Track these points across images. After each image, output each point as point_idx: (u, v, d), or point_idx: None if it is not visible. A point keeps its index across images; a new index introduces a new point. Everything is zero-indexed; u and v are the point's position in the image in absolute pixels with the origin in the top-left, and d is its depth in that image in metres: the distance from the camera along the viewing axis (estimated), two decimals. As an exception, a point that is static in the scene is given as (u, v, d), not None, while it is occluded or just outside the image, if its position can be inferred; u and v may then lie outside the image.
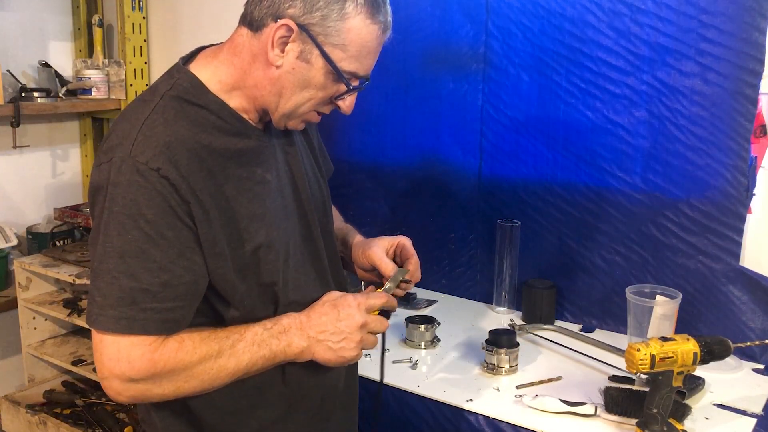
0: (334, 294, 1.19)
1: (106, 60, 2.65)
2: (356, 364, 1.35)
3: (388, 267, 1.27)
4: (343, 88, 1.10)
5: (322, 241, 1.25)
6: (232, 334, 1.07)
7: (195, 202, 1.02)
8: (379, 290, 1.24)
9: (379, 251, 1.29)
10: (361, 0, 1.04)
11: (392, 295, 1.23)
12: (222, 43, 1.14)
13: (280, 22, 1.03)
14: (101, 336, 1.01)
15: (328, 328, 1.12)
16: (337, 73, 1.07)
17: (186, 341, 1.04)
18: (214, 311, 1.11)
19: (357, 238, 1.38)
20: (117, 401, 1.05)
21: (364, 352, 1.21)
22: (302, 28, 1.04)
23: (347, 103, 1.14)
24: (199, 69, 1.11)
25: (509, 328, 1.77)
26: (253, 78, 1.09)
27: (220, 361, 1.05)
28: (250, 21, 1.08)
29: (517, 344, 1.60)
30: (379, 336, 1.21)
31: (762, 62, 1.56)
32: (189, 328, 1.06)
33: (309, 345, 1.11)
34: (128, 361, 1.00)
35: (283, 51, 1.05)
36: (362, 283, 1.40)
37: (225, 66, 1.10)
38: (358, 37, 1.05)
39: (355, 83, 1.11)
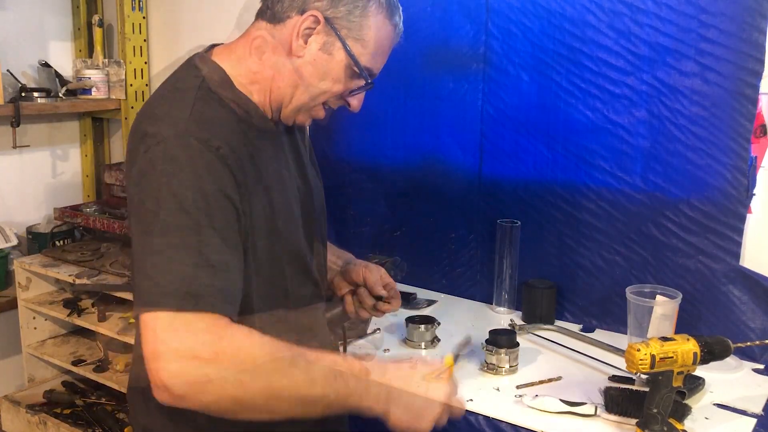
0: (427, 367, 1.12)
1: (106, 60, 2.65)
2: None
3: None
4: (357, 83, 1.14)
5: (323, 242, 1.29)
6: (306, 351, 0.98)
7: (244, 185, 1.04)
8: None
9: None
10: (382, 0, 1.10)
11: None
12: (234, 41, 1.16)
13: (308, 13, 1.07)
14: (155, 318, 0.91)
15: (413, 396, 1.04)
16: (357, 67, 1.10)
17: (255, 333, 0.96)
18: None
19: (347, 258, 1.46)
20: (170, 390, 0.90)
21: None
22: (327, 21, 1.08)
23: (357, 101, 1.17)
24: (221, 64, 1.12)
25: (509, 328, 1.77)
26: (271, 70, 1.11)
27: (294, 370, 0.94)
28: (272, 14, 1.11)
29: (517, 344, 1.60)
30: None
31: (762, 62, 1.56)
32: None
33: (389, 395, 1.02)
34: (191, 333, 0.90)
35: (306, 42, 1.09)
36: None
37: (243, 61, 1.12)
38: (377, 34, 1.10)
39: (362, 82, 1.14)
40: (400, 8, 1.15)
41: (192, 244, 0.95)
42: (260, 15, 1.13)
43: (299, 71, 1.10)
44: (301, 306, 1.20)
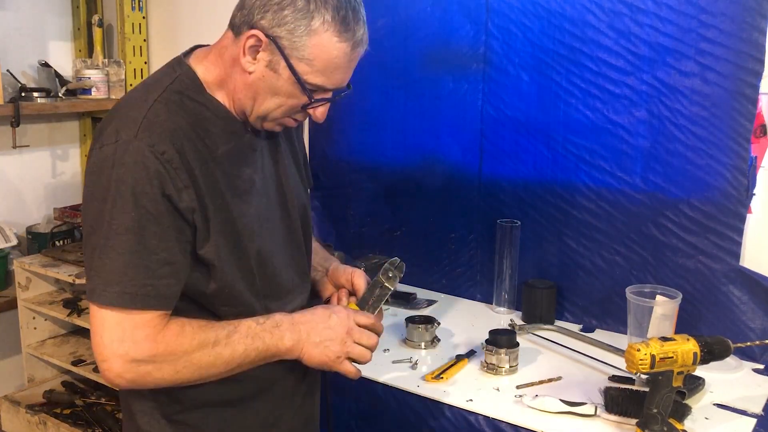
0: (328, 304, 1.26)
1: (106, 60, 2.65)
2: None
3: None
4: (316, 96, 1.13)
5: (302, 245, 1.30)
6: (228, 325, 1.12)
7: (192, 188, 1.07)
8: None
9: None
10: (328, 17, 1.06)
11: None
12: (213, 44, 1.18)
13: (251, 31, 1.07)
14: (103, 316, 1.04)
15: (319, 326, 1.18)
16: (301, 86, 1.10)
17: (186, 327, 1.08)
18: (197, 290, 1.14)
19: (336, 262, 1.45)
20: (115, 384, 1.08)
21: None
22: (271, 39, 1.07)
23: (318, 113, 1.16)
24: (195, 67, 1.15)
25: (509, 328, 1.77)
26: (232, 80, 1.13)
27: (217, 349, 1.09)
28: (233, 25, 1.12)
29: (517, 344, 1.60)
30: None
31: (762, 62, 1.56)
32: (186, 318, 1.10)
33: (299, 340, 1.16)
34: (133, 342, 1.04)
35: (254, 58, 1.09)
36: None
37: (212, 66, 1.15)
38: (323, 53, 1.08)
39: (326, 95, 1.14)
40: (360, 17, 1.11)
41: (132, 246, 1.03)
42: (229, 24, 1.14)
43: (253, 86, 1.11)
44: (269, 303, 1.22)
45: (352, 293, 1.34)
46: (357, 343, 1.20)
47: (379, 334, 1.25)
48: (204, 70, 1.15)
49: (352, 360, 1.21)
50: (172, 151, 1.05)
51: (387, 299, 1.31)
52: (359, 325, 1.21)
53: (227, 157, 1.13)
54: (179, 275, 1.08)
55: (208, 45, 1.20)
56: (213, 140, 1.12)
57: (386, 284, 1.28)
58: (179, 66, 1.15)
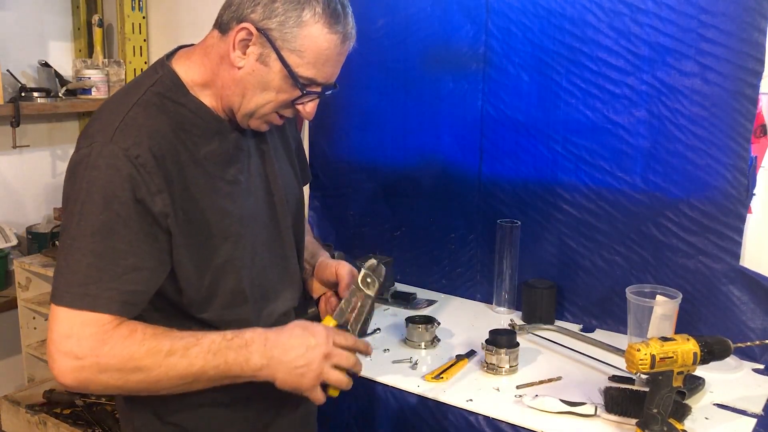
0: (306, 322, 1.16)
1: (106, 60, 2.65)
2: None
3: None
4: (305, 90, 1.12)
5: (291, 244, 1.28)
6: (188, 336, 1.06)
7: (167, 192, 1.06)
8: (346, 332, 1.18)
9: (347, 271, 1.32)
10: (319, 9, 1.07)
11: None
12: (196, 44, 1.18)
13: (241, 25, 1.08)
14: (57, 311, 1.02)
15: (295, 350, 1.09)
16: (292, 78, 1.10)
17: (138, 332, 1.04)
18: (170, 302, 1.13)
19: (323, 257, 1.41)
20: (62, 383, 1.03)
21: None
22: (261, 32, 1.07)
23: (308, 109, 1.16)
24: (177, 67, 1.15)
25: (509, 328, 1.77)
26: (220, 78, 1.13)
27: (171, 359, 1.03)
28: (220, 24, 1.13)
29: (517, 344, 1.60)
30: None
31: (762, 62, 1.56)
32: (145, 323, 1.07)
33: (269, 364, 1.08)
34: (78, 339, 1.00)
35: (244, 53, 1.10)
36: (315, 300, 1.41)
37: (197, 66, 1.15)
38: (314, 44, 1.08)
39: (316, 89, 1.13)
40: (348, 11, 1.12)
41: (97, 248, 1.02)
42: (214, 23, 1.15)
43: (242, 82, 1.11)
44: (258, 305, 1.21)
45: (337, 292, 1.32)
46: (336, 367, 1.12)
47: (366, 354, 1.17)
48: (187, 70, 1.14)
49: (330, 385, 1.14)
50: (147, 155, 1.04)
51: (371, 306, 1.21)
52: (339, 346, 1.13)
53: (210, 158, 1.13)
54: (148, 282, 1.06)
55: (192, 45, 1.19)
56: (194, 141, 1.11)
57: (365, 291, 1.19)
58: (161, 67, 1.15)
